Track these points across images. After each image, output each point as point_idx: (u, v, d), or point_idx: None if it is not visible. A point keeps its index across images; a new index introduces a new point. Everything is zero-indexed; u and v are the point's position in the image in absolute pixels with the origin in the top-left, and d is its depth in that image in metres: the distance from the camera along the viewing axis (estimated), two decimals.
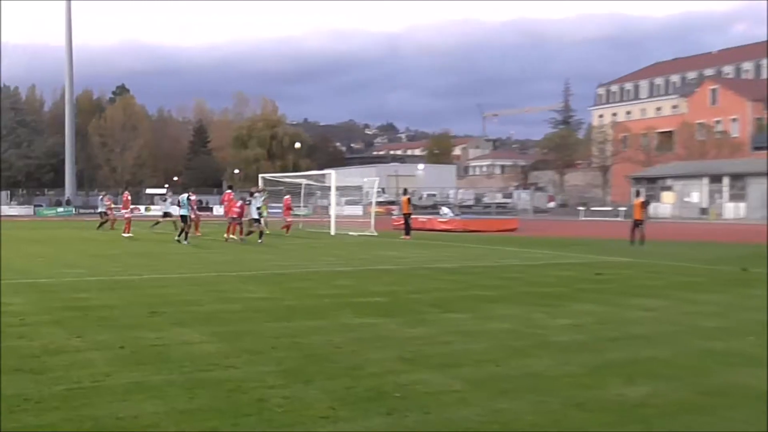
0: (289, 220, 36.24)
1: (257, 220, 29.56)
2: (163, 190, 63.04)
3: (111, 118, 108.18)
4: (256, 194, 30.39)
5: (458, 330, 9.91)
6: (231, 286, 14.65)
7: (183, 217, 27.85)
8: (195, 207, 29.67)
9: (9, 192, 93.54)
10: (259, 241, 28.44)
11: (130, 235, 31.59)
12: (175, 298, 12.81)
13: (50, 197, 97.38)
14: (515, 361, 8.11)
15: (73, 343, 8.85)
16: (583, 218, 71.58)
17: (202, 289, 13.95)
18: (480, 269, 18.67)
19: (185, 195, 28.20)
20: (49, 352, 8.35)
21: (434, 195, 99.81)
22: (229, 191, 35.00)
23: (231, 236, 29.62)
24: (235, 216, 29.97)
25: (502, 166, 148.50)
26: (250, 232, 29.61)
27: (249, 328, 9.86)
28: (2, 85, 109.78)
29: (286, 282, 15.39)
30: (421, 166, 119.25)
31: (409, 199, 35.69)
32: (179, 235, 27.71)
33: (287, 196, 38.07)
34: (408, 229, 34.49)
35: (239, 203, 30.16)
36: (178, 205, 28.54)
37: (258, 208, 29.69)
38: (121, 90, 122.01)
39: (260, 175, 45.59)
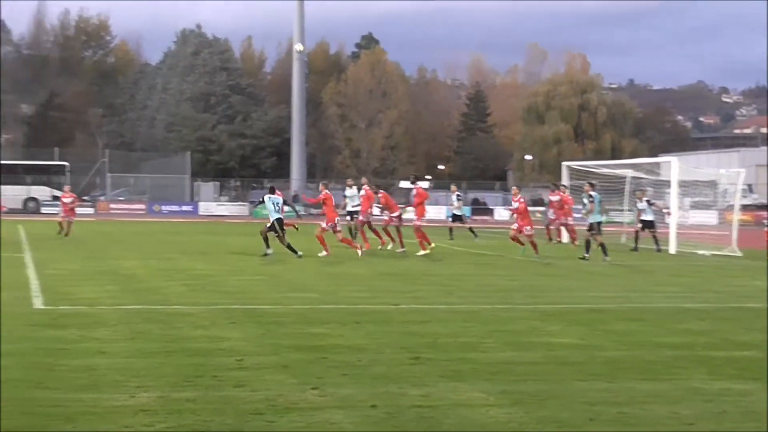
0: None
1: (593, 228, 30.61)
2: (425, 184, 65.02)
3: (354, 82, 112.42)
4: (588, 196, 30.96)
5: None
6: (525, 324, 14.79)
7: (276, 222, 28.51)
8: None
9: (218, 184, 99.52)
10: (606, 258, 29.66)
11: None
12: (446, 339, 13.10)
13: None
14: None
15: (307, 396, 9.31)
16: None
17: (483, 328, 14.19)
18: None
19: (279, 198, 28.99)
20: (276, 407, 8.84)
21: None
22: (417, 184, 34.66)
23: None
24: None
25: None
26: (600, 245, 30.24)
27: (553, 389, 9.88)
28: (183, 33, 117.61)
29: (604, 322, 15.30)
30: None
31: None
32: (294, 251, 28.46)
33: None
34: None
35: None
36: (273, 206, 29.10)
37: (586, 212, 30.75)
38: (368, 41, 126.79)
39: (564, 164, 45.60)
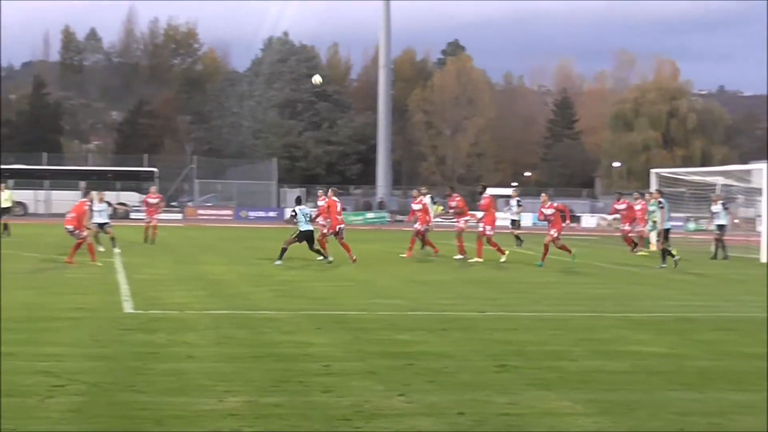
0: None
1: (661, 235, 30.37)
2: (509, 190, 64.97)
3: (440, 89, 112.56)
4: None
5: None
6: (613, 333, 14.71)
7: (304, 234, 28.22)
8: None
9: (305, 190, 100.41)
10: (663, 265, 29.42)
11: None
12: (533, 347, 13.10)
13: (357, 198, 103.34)
14: None
15: (394, 403, 9.36)
16: None
17: (570, 336, 14.14)
18: None
19: (306, 208, 28.80)
20: (363, 413, 8.91)
21: None
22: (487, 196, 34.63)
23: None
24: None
25: None
26: (668, 252, 29.94)
27: (642, 399, 9.83)
28: (294, 44, 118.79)
29: (694, 332, 15.16)
30: None
31: None
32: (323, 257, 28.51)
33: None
34: None
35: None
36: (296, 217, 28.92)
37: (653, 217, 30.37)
38: (454, 48, 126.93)
39: (652, 171, 45.20)
